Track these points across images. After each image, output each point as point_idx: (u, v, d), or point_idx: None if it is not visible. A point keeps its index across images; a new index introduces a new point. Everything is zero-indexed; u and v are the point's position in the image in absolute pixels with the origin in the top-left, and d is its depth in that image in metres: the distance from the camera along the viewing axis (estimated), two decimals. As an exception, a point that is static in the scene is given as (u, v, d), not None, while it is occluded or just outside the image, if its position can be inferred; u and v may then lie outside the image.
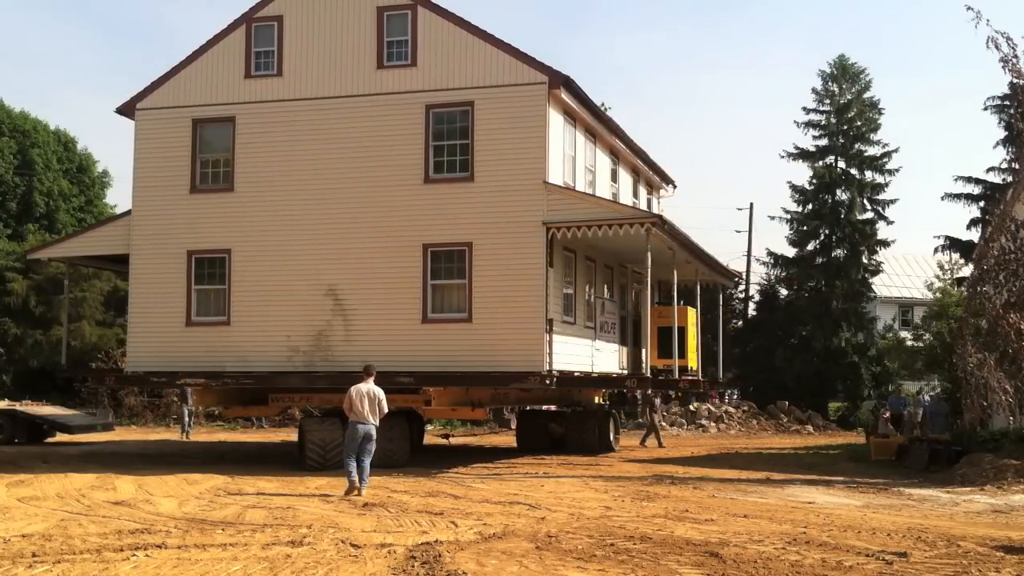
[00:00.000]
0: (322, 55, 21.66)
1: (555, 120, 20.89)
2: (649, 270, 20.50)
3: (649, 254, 20.30)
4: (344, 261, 21.08)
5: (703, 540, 10.95)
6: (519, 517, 12.93)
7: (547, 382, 19.73)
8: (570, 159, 21.94)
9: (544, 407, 28.32)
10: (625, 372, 25.55)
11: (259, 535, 11.21)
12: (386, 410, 16.13)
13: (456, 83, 20.88)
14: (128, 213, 23.09)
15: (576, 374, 21.51)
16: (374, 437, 15.86)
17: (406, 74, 21.17)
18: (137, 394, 38.93)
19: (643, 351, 27.05)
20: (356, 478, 15.45)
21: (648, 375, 21.00)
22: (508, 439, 29.74)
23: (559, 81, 20.47)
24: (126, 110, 22.72)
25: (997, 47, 18.66)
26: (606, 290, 24.60)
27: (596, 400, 28.05)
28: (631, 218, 20.21)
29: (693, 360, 25.54)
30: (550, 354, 19.89)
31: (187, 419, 31.10)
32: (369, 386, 15.95)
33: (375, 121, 21.21)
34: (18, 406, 29.59)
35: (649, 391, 26.35)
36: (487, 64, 20.79)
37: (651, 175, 28.78)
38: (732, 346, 45.87)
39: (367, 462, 15.72)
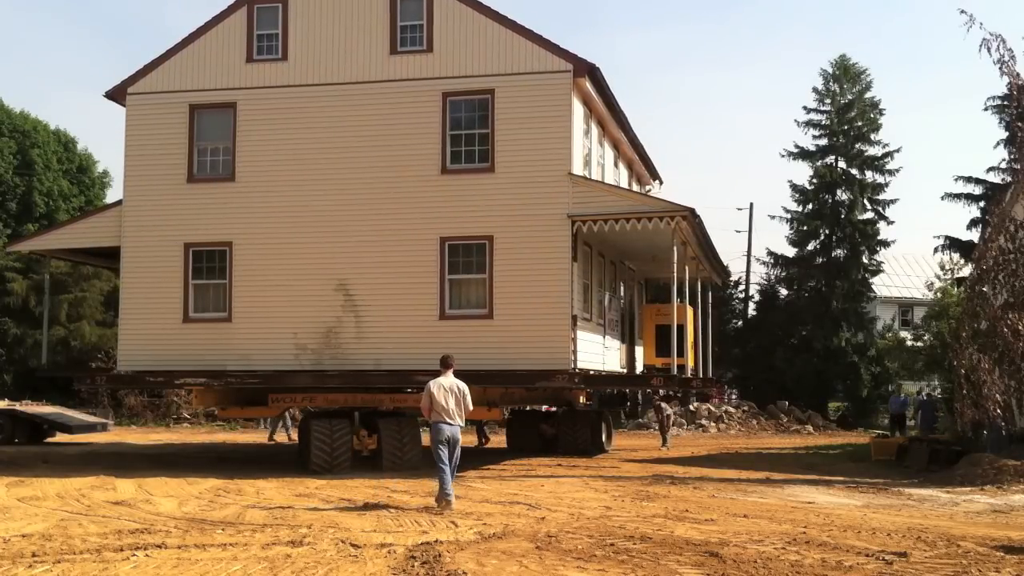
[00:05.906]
0: (331, 39, 20.85)
1: (577, 110, 20.41)
2: (675, 266, 19.72)
3: (676, 249, 19.60)
4: (355, 255, 20.33)
5: (703, 540, 10.94)
6: (519, 517, 12.91)
7: (575, 380, 19.35)
8: (586, 150, 21.54)
9: (544, 407, 28.23)
10: (624, 370, 25.48)
11: (259, 535, 11.20)
12: (471, 407, 13.96)
13: (475, 70, 20.23)
14: (119, 203, 21.92)
15: (592, 372, 21.12)
16: (460, 440, 13.81)
17: (421, 60, 20.49)
18: (137, 394, 38.78)
19: (639, 349, 27.16)
20: (451, 488, 13.50)
21: (676, 373, 20.68)
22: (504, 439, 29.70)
23: (584, 70, 19.88)
24: (116, 95, 21.60)
25: (990, 51, 18.63)
26: (612, 286, 24.45)
27: (581, 400, 27.90)
28: (661, 211, 19.48)
29: (692, 359, 25.51)
30: (574, 351, 19.42)
31: (285, 419, 29.07)
32: (451, 380, 13.75)
33: (388, 109, 20.47)
34: (18, 406, 29.55)
35: (656, 393, 25.99)
36: (508, 51, 20.13)
37: (643, 170, 28.46)
38: (732, 346, 45.89)
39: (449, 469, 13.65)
